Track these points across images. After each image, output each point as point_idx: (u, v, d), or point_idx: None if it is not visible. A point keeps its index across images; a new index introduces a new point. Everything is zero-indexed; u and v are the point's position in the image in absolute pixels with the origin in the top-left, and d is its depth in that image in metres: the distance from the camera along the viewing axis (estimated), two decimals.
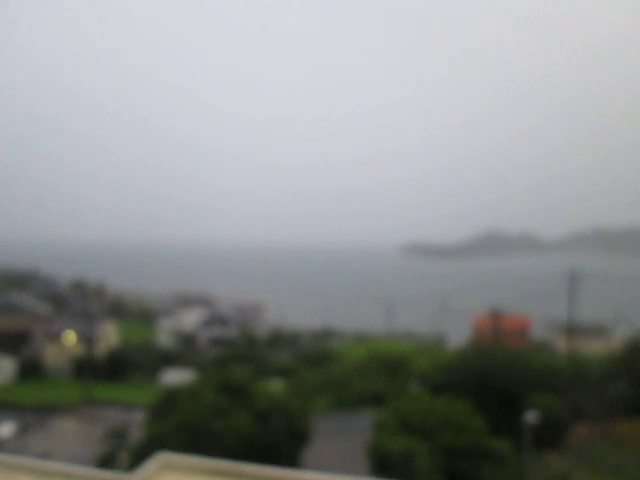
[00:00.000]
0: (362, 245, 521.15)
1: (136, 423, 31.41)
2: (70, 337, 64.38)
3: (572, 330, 50.11)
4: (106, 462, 26.95)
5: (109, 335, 70.70)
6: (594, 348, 52.80)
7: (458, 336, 73.93)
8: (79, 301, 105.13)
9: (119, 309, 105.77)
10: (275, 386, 46.01)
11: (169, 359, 62.24)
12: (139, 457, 21.66)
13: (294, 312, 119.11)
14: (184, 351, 70.82)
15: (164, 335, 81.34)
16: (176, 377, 51.50)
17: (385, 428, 23.61)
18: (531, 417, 25.80)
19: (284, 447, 25.31)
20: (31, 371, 57.53)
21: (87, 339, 65.31)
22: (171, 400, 27.54)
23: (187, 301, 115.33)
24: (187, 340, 78.18)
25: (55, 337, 64.07)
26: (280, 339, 78.30)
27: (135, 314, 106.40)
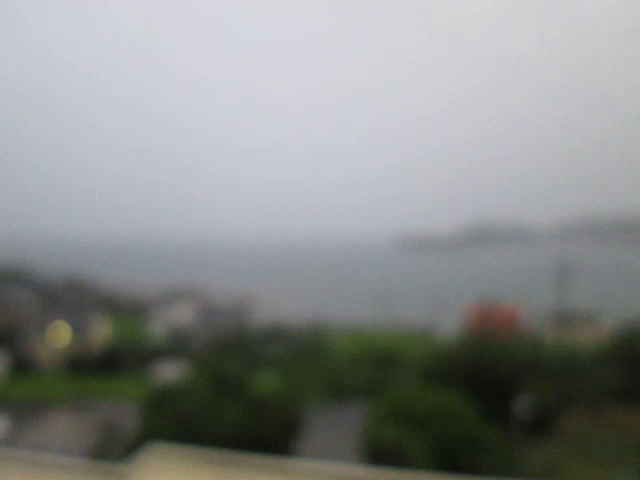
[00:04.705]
0: (353, 238, 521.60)
1: (130, 416, 31.44)
2: (62, 331, 64.20)
3: (562, 319, 50.62)
4: (100, 455, 27.01)
5: (102, 329, 70.55)
6: (585, 337, 53.29)
7: (450, 327, 74.33)
8: (71, 295, 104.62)
9: (112, 303, 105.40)
10: (268, 378, 46.15)
11: (162, 352, 62.22)
12: (133, 449, 21.72)
13: (288, 305, 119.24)
14: (177, 344, 70.78)
15: (157, 328, 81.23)
16: (169, 370, 51.53)
17: (378, 418, 23.82)
18: (523, 405, 26.10)
19: (277, 439, 25.47)
20: (23, 366, 57.31)
21: (80, 333, 65.15)
22: (165, 393, 27.62)
23: (180, 294, 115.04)
24: (180, 333, 78.13)
25: (47, 332, 63.86)
26: (273, 332, 78.40)
27: (128, 308, 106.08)
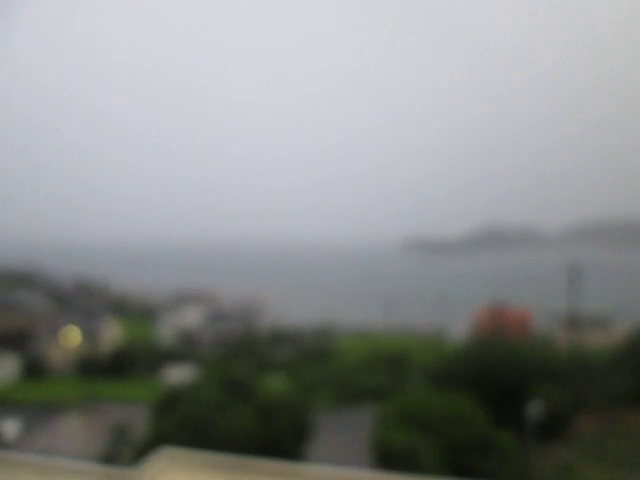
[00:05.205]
0: (363, 241, 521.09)
1: (140, 419, 31.47)
2: (73, 335, 64.50)
3: (574, 322, 50.15)
4: (110, 458, 27.04)
5: (112, 332, 70.80)
6: (596, 340, 52.81)
7: (460, 330, 73.92)
8: (82, 299, 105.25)
9: (121, 306, 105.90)
10: (277, 382, 46.08)
11: (171, 356, 62.35)
12: (143, 453, 21.71)
13: (295, 308, 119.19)
14: (186, 348, 70.91)
15: (166, 332, 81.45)
16: (178, 374, 51.59)
17: (387, 422, 23.66)
18: (534, 409, 25.84)
19: (287, 442, 25.37)
20: (34, 369, 57.61)
21: (90, 336, 65.42)
22: (174, 396, 27.61)
23: (188, 298, 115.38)
24: (189, 337, 78.31)
25: (58, 335, 64.18)
26: (281, 335, 78.37)
27: (137, 311, 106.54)
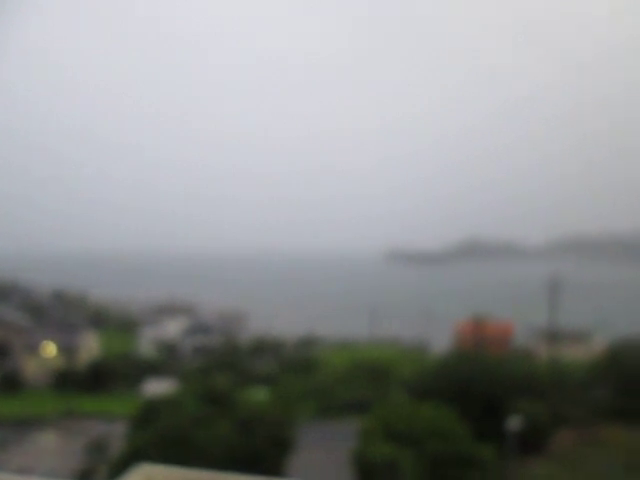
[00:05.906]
0: (344, 252, 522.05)
1: (118, 435, 30.93)
2: (49, 348, 63.36)
3: (553, 336, 50.65)
4: (86, 475, 26.50)
5: (90, 345, 69.69)
6: (575, 354, 53.33)
7: (441, 343, 74.19)
8: (59, 311, 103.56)
9: (100, 319, 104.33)
10: (258, 395, 45.69)
11: (151, 369, 61.51)
12: (119, 469, 21.29)
13: (278, 320, 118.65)
14: (166, 360, 70.05)
15: (146, 344, 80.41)
16: (158, 387, 50.87)
17: (369, 436, 23.58)
18: (514, 423, 25.97)
19: (267, 456, 25.12)
20: (9, 384, 56.35)
21: (67, 350, 64.32)
22: (153, 411, 27.20)
23: (169, 310, 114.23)
24: (169, 349, 77.41)
25: (34, 349, 62.97)
26: (264, 347, 77.87)
27: (117, 323, 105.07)
